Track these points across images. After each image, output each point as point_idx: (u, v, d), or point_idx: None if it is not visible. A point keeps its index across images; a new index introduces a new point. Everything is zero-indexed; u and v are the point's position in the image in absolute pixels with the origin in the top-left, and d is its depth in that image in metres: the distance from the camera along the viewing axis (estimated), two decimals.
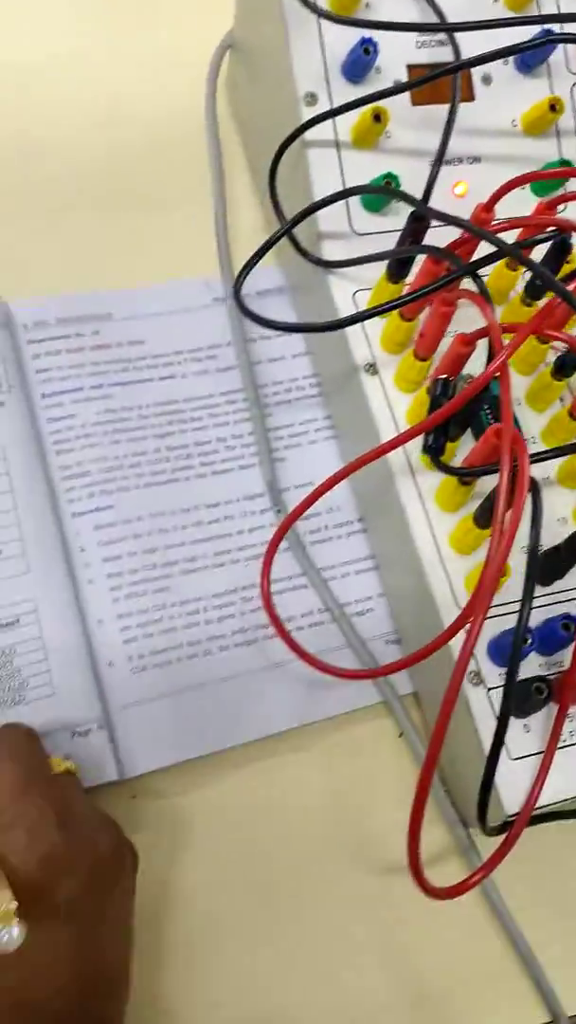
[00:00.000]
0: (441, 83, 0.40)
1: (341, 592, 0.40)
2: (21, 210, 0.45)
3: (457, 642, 0.31)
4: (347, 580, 0.41)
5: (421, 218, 0.34)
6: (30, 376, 0.41)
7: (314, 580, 0.40)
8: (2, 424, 0.38)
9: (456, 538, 0.35)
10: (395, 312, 0.37)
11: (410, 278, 0.38)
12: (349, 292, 0.40)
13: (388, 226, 0.40)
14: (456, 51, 0.38)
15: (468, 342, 0.33)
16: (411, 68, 0.40)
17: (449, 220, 0.34)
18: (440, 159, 0.38)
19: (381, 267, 0.38)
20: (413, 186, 0.39)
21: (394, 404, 0.38)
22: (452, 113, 0.37)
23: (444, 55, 0.40)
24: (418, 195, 0.38)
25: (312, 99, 0.39)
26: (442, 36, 0.40)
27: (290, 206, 0.41)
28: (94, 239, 0.45)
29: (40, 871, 0.28)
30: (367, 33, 0.38)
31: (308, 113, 0.39)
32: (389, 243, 0.39)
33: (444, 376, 0.34)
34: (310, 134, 0.39)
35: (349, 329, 0.38)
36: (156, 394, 0.42)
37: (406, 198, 0.35)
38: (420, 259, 0.37)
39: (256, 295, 0.44)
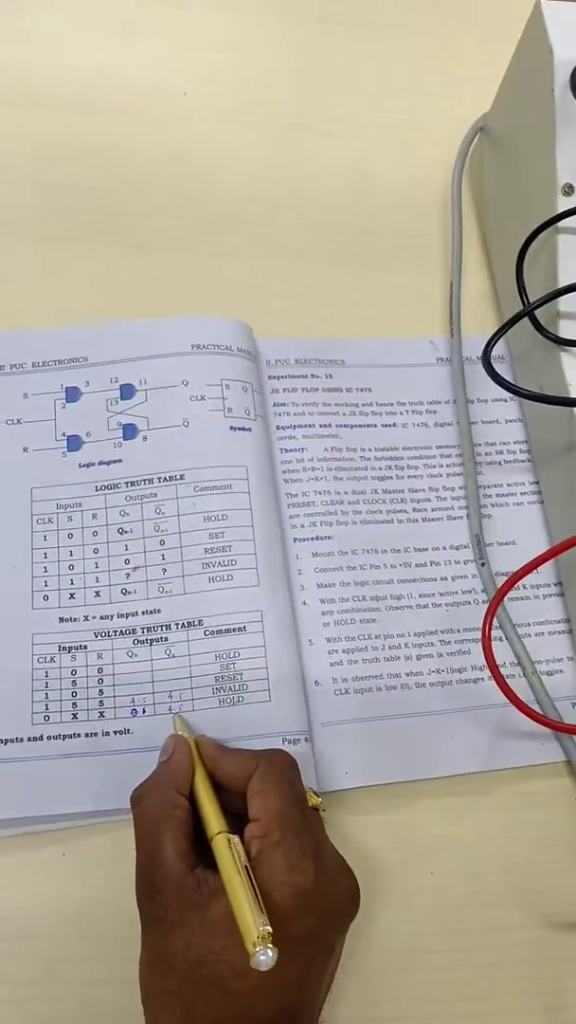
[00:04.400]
0: None
1: (532, 650, 0.42)
2: (273, 256, 0.49)
3: None
4: (540, 639, 0.42)
5: None
6: (269, 408, 0.45)
7: (509, 634, 0.42)
8: (249, 448, 0.42)
9: None
10: None
11: None
12: None
13: None
14: None
15: None
16: None
17: None
18: None
19: None
20: None
21: None
22: None
23: None
24: None
25: (570, 190, 0.42)
26: None
27: (529, 282, 0.44)
28: (333, 289, 0.49)
29: (291, 901, 0.30)
30: None
31: (565, 203, 0.42)
32: None
33: None
34: (564, 222, 0.42)
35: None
36: (378, 439, 0.45)
37: None
38: None
39: (476, 359, 0.47)
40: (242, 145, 0.52)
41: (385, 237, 0.51)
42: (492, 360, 0.43)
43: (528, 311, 0.41)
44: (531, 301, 0.42)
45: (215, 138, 0.52)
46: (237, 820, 0.33)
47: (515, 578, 0.36)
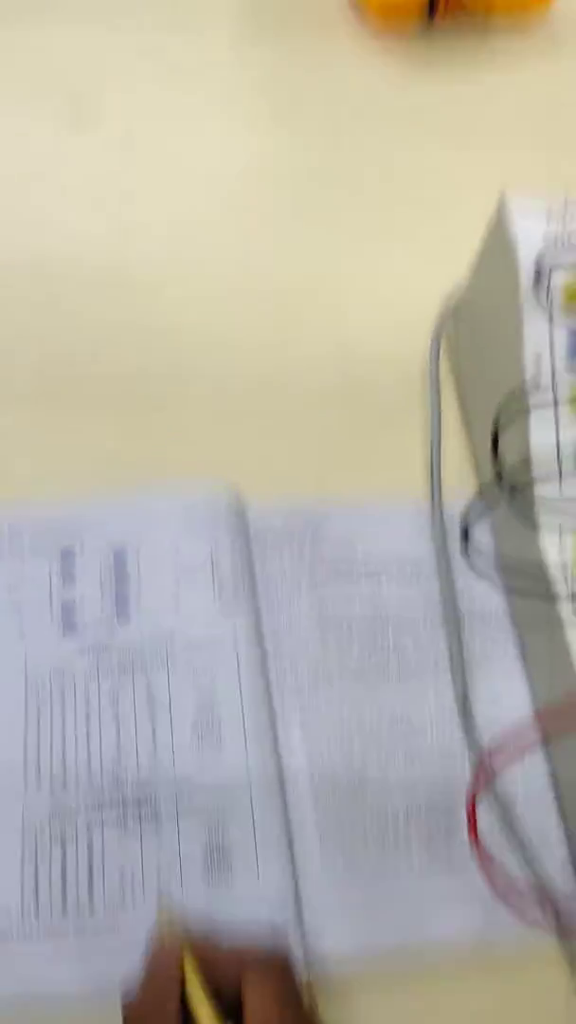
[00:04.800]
0: None
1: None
2: (262, 425, 0.52)
3: None
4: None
5: None
6: (256, 570, 0.47)
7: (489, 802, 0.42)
8: (236, 611, 0.44)
9: None
10: None
11: None
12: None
13: None
14: None
15: None
16: None
17: None
18: None
19: None
20: None
21: None
22: None
23: None
24: None
25: (536, 384, 0.45)
26: None
27: (505, 446, 0.46)
28: (320, 454, 0.51)
29: None
30: None
31: (533, 392, 0.44)
32: None
33: None
34: (533, 399, 0.45)
35: (554, 577, 0.43)
36: (363, 600, 0.47)
37: None
38: None
39: (457, 519, 0.49)
40: (233, 320, 0.55)
41: (369, 406, 0.53)
42: (471, 527, 0.45)
43: (503, 499, 0.43)
44: (507, 471, 0.44)
45: (206, 312, 0.55)
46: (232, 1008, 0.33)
47: (494, 770, 0.37)
